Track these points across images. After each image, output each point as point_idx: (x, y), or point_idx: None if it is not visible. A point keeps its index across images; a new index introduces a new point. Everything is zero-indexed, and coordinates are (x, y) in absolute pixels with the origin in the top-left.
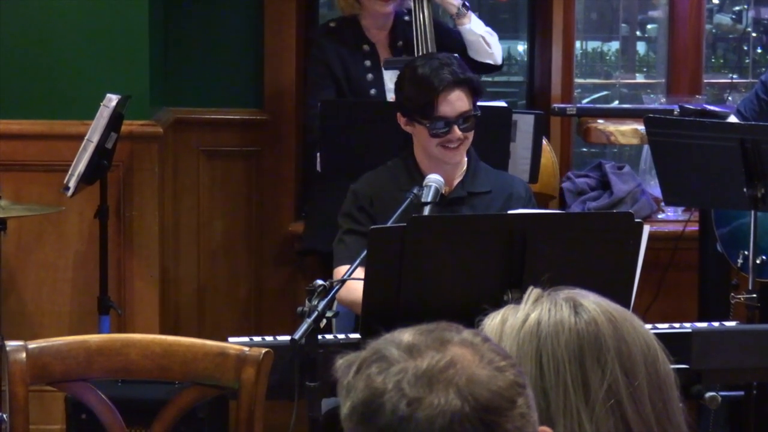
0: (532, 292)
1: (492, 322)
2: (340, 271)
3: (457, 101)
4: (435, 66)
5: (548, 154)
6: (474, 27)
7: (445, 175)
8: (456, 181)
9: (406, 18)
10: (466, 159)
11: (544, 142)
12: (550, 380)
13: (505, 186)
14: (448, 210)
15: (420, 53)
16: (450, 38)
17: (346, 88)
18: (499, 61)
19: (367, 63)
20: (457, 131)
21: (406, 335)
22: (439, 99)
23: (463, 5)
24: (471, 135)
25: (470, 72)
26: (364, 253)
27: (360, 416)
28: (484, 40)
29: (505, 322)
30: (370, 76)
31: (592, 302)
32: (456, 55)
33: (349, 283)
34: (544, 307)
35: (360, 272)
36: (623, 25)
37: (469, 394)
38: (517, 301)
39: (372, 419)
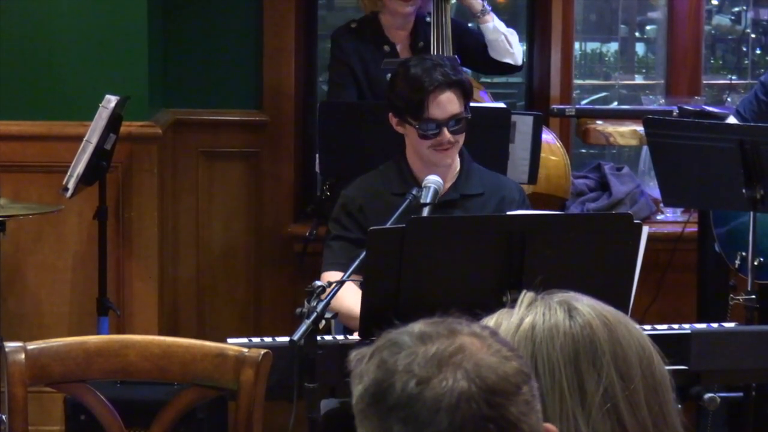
0: (526, 296)
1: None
2: (326, 276)
3: (447, 103)
4: (427, 66)
5: (560, 154)
6: (498, 25)
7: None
8: (448, 184)
9: (428, 20)
10: (458, 161)
11: (558, 142)
12: (545, 385)
13: (498, 188)
14: (440, 212)
15: (436, 54)
16: (470, 37)
17: (366, 88)
18: (519, 61)
19: None
20: (446, 134)
21: (418, 325)
22: (430, 100)
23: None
24: (462, 138)
25: (462, 74)
26: (360, 257)
27: (371, 396)
28: (507, 38)
29: (499, 327)
30: (390, 76)
31: (586, 305)
32: (456, 57)
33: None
34: (538, 311)
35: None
36: (622, 26)
37: (476, 377)
38: (512, 304)
39: (382, 399)
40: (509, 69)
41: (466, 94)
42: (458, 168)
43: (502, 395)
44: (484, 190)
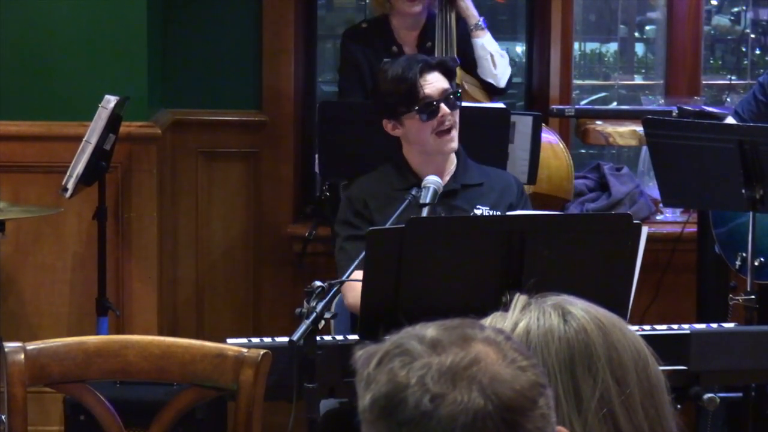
0: (519, 299)
1: None
2: (354, 277)
3: (437, 81)
4: (402, 61)
5: (563, 155)
6: (486, 44)
7: (437, 169)
8: (447, 176)
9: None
10: (455, 155)
11: (561, 144)
12: None
13: (497, 179)
14: (443, 202)
15: (441, 55)
16: (470, 47)
17: (372, 89)
18: (501, 83)
19: None
20: (445, 108)
21: (430, 330)
22: (419, 83)
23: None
24: (457, 116)
25: (440, 59)
26: (361, 257)
27: (381, 409)
28: (492, 59)
29: None
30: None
31: (580, 309)
32: (456, 58)
33: (357, 287)
34: (532, 315)
35: (359, 274)
36: (622, 26)
37: (492, 393)
38: (506, 307)
39: (393, 413)
40: (493, 90)
41: (449, 73)
42: (455, 161)
43: (519, 412)
44: (482, 181)
